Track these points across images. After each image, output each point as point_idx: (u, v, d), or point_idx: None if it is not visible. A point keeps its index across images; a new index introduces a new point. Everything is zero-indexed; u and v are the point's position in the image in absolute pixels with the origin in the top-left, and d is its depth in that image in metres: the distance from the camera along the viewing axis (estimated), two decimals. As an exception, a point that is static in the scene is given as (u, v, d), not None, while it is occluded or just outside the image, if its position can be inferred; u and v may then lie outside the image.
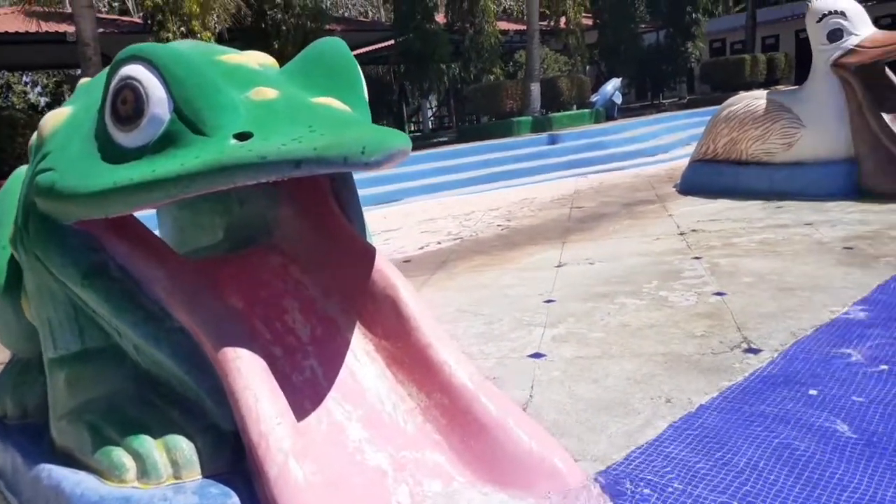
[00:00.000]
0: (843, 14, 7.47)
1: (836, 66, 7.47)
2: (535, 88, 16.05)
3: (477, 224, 8.79)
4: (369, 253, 2.57)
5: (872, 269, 4.70)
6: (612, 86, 18.30)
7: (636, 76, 24.94)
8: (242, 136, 1.95)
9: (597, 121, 16.91)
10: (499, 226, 8.49)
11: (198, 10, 10.49)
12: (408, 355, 2.48)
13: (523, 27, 19.52)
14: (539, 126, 15.56)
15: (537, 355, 3.71)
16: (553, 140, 13.81)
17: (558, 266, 5.89)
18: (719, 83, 21.55)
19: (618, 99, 18.38)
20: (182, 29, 12.60)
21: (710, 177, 8.89)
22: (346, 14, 27.16)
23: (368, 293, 2.56)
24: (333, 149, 1.77)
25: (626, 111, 20.90)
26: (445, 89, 24.80)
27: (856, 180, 7.52)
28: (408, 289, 2.49)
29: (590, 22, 23.87)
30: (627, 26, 22.69)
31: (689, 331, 3.85)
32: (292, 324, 2.59)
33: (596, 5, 23.26)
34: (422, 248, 7.57)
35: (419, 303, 2.46)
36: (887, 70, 7.72)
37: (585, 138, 14.11)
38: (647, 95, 27.52)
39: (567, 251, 6.50)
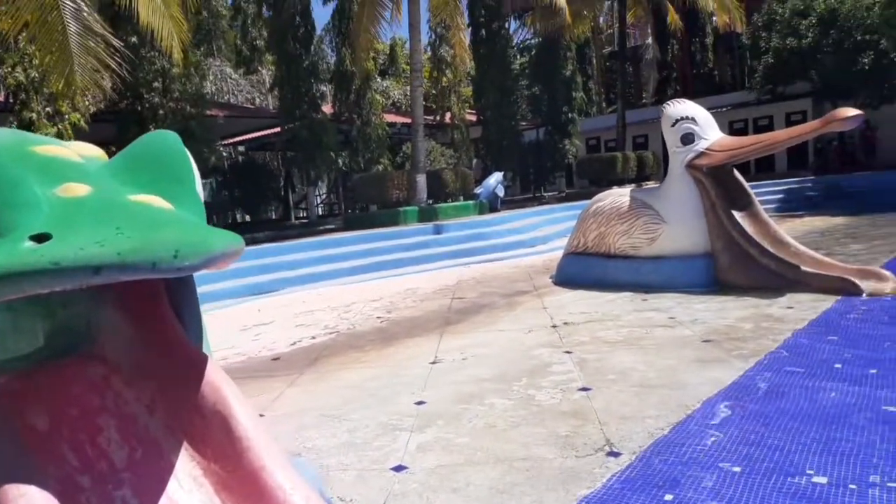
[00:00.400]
0: (693, 119, 8.14)
1: (690, 167, 8.07)
2: (422, 179, 16.40)
3: (356, 316, 8.58)
4: (200, 362, 2.32)
5: (727, 363, 4.89)
6: (495, 179, 19.04)
7: (518, 170, 26.19)
8: (40, 238, 1.72)
9: (481, 212, 17.42)
10: (378, 318, 8.32)
11: (65, 89, 10.02)
12: (238, 480, 2.22)
13: (406, 119, 20.10)
14: (425, 216, 15.81)
15: (399, 468, 3.50)
16: (438, 230, 14.02)
17: (433, 363, 5.76)
18: (595, 178, 22.97)
19: (500, 192, 19.09)
20: (48, 109, 11.98)
21: (582, 269, 9.21)
22: (232, 100, 27.05)
23: (197, 409, 2.29)
24: (140, 253, 1.58)
25: (510, 203, 21.75)
26: (335, 177, 24.92)
27: (714, 274, 8.02)
28: (241, 403, 2.25)
29: (474, 118, 25.04)
30: (509, 123, 23.95)
31: (554, 431, 3.79)
32: (106, 446, 2.26)
33: (479, 102, 24.49)
34: (294, 343, 7.24)
35: (252, 419, 2.22)
36: (735, 171, 8.43)
37: (469, 229, 14.42)
38: (529, 188, 28.84)
39: (444, 345, 6.41)
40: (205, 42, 20.08)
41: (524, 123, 27.18)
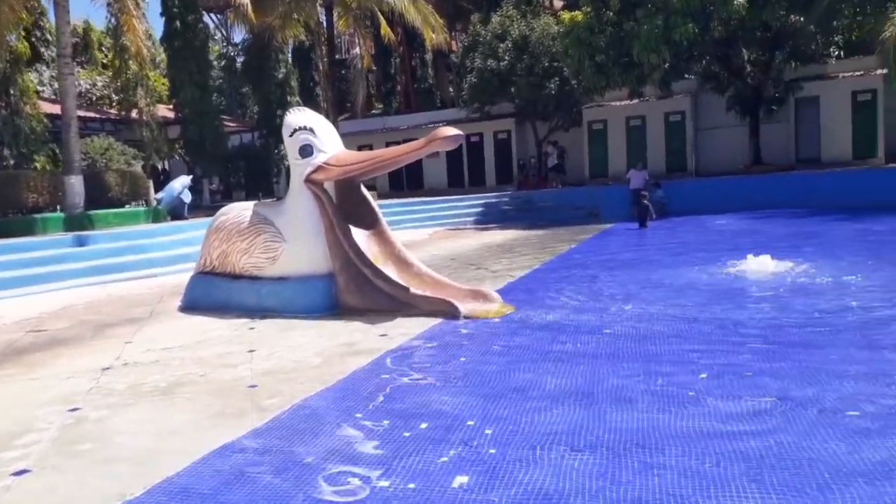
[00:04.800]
0: (312, 130, 7.48)
1: (308, 181, 7.39)
2: (76, 182, 14.05)
3: None
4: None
5: (240, 422, 4.11)
6: (181, 183, 17.22)
7: (226, 174, 24.42)
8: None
9: (155, 220, 15.53)
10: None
11: None
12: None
13: (88, 113, 17.44)
14: (76, 225, 13.55)
15: None
16: (81, 242, 11.95)
17: None
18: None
19: (186, 197, 17.31)
20: None
21: (206, 291, 8.12)
22: None
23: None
24: None
25: (208, 210, 19.95)
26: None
27: (335, 296, 7.42)
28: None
29: (172, 114, 22.78)
30: (212, 123, 22.14)
31: None
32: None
33: (176, 98, 22.31)
34: None
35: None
36: (363, 188, 7.95)
37: (124, 240, 12.55)
38: (241, 194, 27.13)
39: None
40: None
41: (234, 125, 25.51)
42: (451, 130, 6.69)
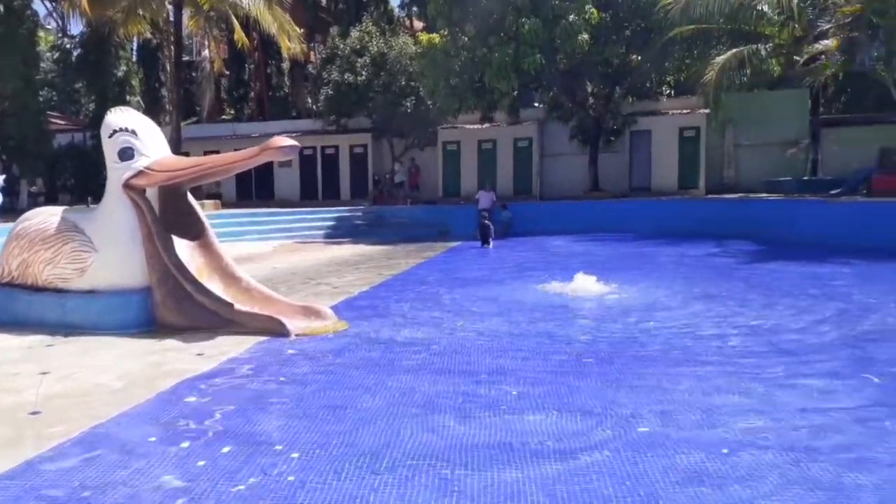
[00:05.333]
0: (134, 132, 6.96)
1: (126, 187, 6.85)
2: None
3: None
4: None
5: None
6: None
7: (49, 175, 22.28)
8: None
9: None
10: None
11: None
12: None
13: None
14: None
15: None
16: None
17: None
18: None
19: (-9, 202, 15.49)
20: None
21: (4, 304, 7.25)
22: None
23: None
24: None
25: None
26: None
27: (151, 311, 6.90)
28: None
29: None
30: (36, 119, 20.14)
31: None
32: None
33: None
34: None
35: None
36: (189, 196, 7.50)
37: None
38: (67, 197, 24.94)
39: None
40: None
41: (64, 123, 23.43)
42: (286, 140, 6.47)
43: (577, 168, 23.78)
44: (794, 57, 17.74)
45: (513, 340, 6.34)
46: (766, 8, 16.90)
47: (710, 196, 21.30)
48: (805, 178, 19.37)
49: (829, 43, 15.55)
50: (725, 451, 3.61)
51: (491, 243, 16.21)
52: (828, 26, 16.17)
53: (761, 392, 4.61)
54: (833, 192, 16.53)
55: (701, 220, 17.80)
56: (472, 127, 24.64)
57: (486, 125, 24.26)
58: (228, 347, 6.03)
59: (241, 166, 7.06)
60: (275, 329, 6.51)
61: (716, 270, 11.27)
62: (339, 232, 19.95)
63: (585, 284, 9.07)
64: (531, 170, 24.42)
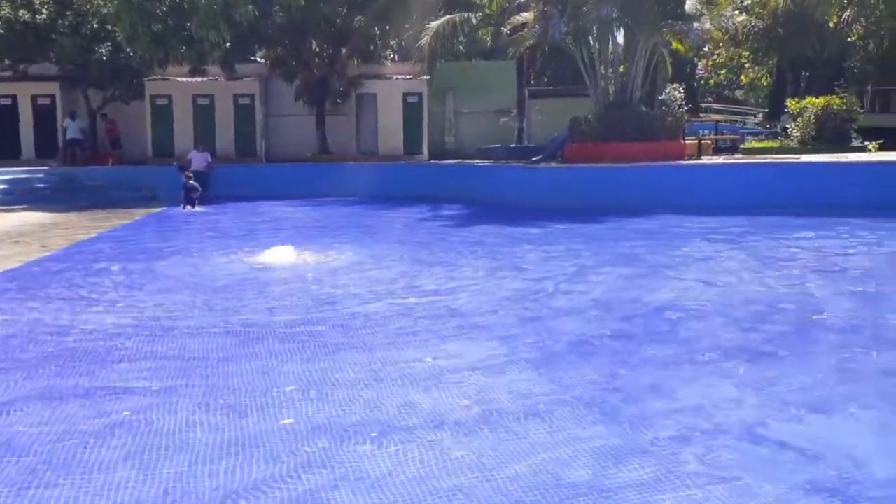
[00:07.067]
0: None
1: None
2: None
3: None
4: None
5: None
6: None
7: None
8: None
9: None
10: None
11: None
12: None
13: None
14: None
15: None
16: None
17: None
18: None
19: None
20: None
21: None
22: None
23: None
24: None
25: None
26: None
27: None
28: None
29: None
30: None
31: None
32: None
33: None
34: None
35: None
36: None
37: None
38: None
39: None
40: None
41: None
42: None
43: (305, 130, 22.87)
44: (502, 28, 18.63)
45: (153, 323, 5.44)
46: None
47: (432, 161, 21.87)
48: (512, 145, 20.70)
49: (529, 15, 16.48)
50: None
51: (198, 207, 14.76)
52: (527, -2, 17.15)
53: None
54: (534, 158, 17.80)
55: (422, 184, 18.15)
56: (186, 80, 22.34)
57: (202, 79, 22.18)
58: None
59: None
60: None
61: (427, 233, 11.36)
62: (13, 198, 16.80)
63: (283, 254, 8.40)
64: (255, 130, 22.97)
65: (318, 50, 21.99)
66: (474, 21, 17.79)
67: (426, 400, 3.79)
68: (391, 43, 23.34)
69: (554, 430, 3.37)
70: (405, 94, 23.42)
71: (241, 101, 22.86)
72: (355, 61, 22.21)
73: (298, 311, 5.92)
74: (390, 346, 4.86)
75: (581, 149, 16.22)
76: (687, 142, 17.11)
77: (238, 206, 16.02)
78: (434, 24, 17.34)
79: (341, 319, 5.56)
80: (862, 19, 24.60)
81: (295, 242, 9.05)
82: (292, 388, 3.98)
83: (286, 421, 3.49)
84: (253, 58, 23.55)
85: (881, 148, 17.25)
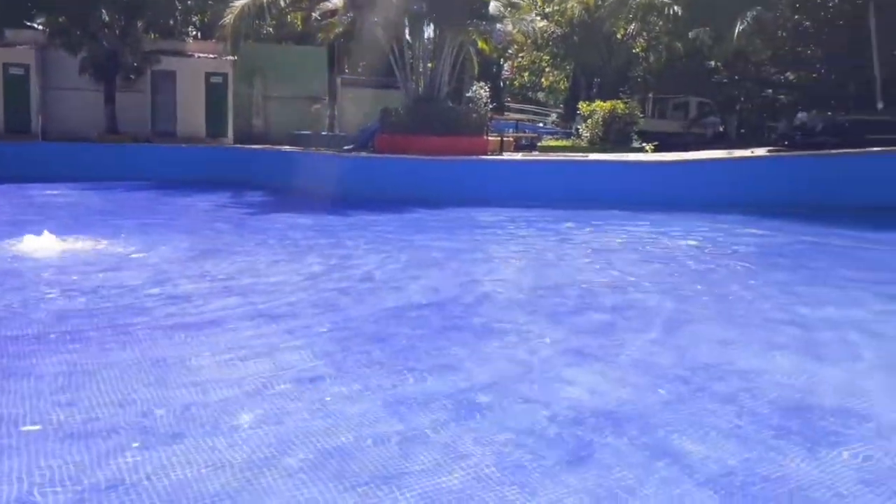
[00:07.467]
0: None
1: None
2: None
3: None
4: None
5: None
6: None
7: None
8: None
9: None
10: None
11: None
12: None
13: None
14: None
15: None
16: None
17: None
18: None
19: None
20: None
21: None
22: None
23: None
24: None
25: None
26: None
27: None
28: None
29: None
30: None
31: None
32: None
33: None
34: None
35: None
36: None
37: None
38: None
39: None
40: None
41: None
42: None
43: (91, 106, 20.68)
44: (312, 13, 18.16)
45: None
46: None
47: (238, 145, 20.82)
48: (324, 132, 20.32)
49: (339, 2, 16.19)
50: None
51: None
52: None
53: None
54: (346, 147, 17.58)
55: (223, 168, 17.23)
56: (-60, 43, 19.28)
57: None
58: None
59: None
60: None
61: (224, 221, 10.73)
62: None
63: (41, 243, 7.45)
64: (29, 104, 20.38)
65: (108, 20, 19.99)
66: (282, 3, 17.11)
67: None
68: (193, 19, 21.86)
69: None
70: (208, 74, 22.05)
71: (13, 70, 20.16)
72: (151, 35, 20.50)
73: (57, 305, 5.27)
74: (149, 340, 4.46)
75: (391, 140, 16.28)
76: (490, 138, 17.84)
77: (2, 189, 14.07)
78: (239, 2, 16.43)
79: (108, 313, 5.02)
80: (644, 33, 27.27)
81: (65, 230, 8.08)
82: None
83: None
84: (29, 23, 20.93)
85: (656, 149, 19.26)
